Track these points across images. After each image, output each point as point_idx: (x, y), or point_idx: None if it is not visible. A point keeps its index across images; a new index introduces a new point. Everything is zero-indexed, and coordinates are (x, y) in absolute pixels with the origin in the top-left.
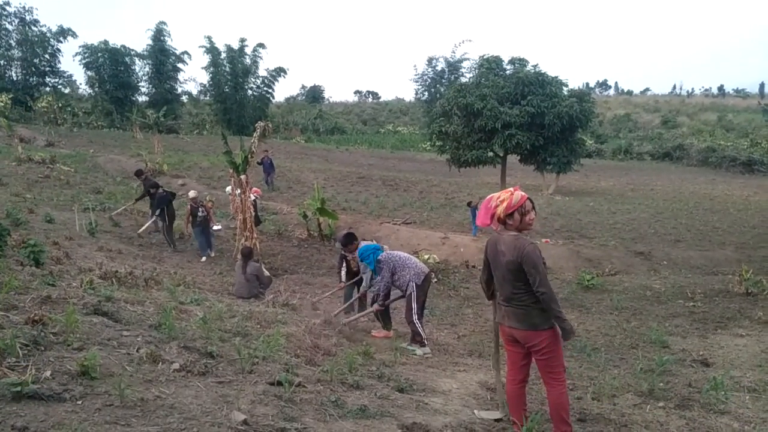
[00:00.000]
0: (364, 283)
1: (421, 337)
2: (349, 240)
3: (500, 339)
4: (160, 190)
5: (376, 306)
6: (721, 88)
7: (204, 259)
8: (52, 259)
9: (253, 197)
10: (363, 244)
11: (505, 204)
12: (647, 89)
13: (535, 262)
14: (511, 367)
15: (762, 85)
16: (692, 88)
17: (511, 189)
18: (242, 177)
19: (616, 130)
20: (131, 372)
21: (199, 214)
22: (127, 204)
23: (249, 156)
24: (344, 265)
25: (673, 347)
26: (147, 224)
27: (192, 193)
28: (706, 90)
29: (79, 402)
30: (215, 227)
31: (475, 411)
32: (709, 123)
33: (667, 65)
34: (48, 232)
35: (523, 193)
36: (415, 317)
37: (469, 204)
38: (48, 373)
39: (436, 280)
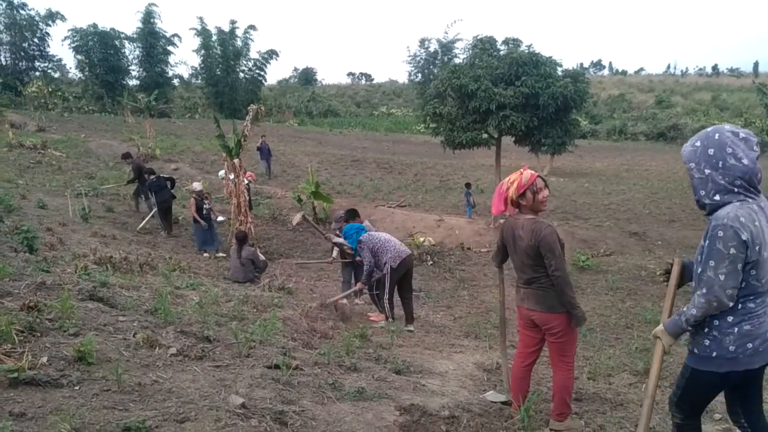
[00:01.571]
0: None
1: (386, 315)
2: (352, 215)
3: (507, 322)
4: (152, 177)
5: (359, 284)
6: (715, 68)
7: (207, 255)
8: (45, 245)
9: (246, 181)
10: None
11: (515, 184)
12: (641, 69)
13: (552, 245)
14: (522, 350)
15: (756, 64)
16: (686, 68)
17: (521, 169)
18: (235, 161)
19: (611, 110)
20: (128, 357)
21: (205, 206)
22: (116, 185)
23: (242, 140)
24: (336, 245)
25: None
26: (146, 219)
27: (197, 186)
28: (700, 69)
29: (77, 387)
30: (219, 219)
31: (486, 394)
32: (703, 102)
33: (662, 45)
34: (41, 218)
35: (533, 172)
36: (384, 297)
37: (467, 185)
38: (44, 359)
39: (431, 263)
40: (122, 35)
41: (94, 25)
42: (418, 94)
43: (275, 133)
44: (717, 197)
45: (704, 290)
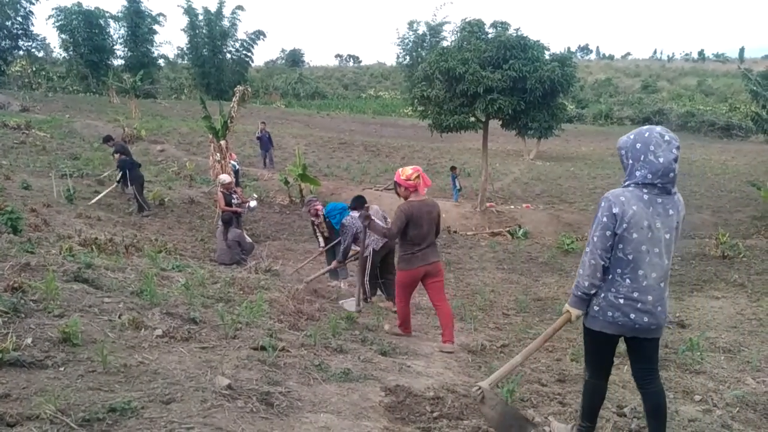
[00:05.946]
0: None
1: (365, 295)
2: (360, 203)
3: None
4: (123, 156)
5: (334, 263)
6: (701, 53)
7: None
8: (30, 227)
9: (232, 163)
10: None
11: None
12: (628, 54)
13: None
14: (409, 299)
15: (742, 50)
16: (673, 53)
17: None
18: (221, 142)
19: (597, 94)
20: (113, 338)
21: (234, 201)
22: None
23: (228, 121)
24: (317, 231)
25: None
26: (103, 194)
27: (224, 178)
28: (686, 55)
29: (62, 368)
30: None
31: (340, 302)
32: (688, 88)
33: (649, 30)
34: (25, 198)
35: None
36: (365, 278)
37: (452, 169)
38: (29, 341)
39: None
40: (107, 14)
41: (79, 4)
42: (406, 77)
43: (262, 114)
44: (626, 183)
45: (587, 249)
